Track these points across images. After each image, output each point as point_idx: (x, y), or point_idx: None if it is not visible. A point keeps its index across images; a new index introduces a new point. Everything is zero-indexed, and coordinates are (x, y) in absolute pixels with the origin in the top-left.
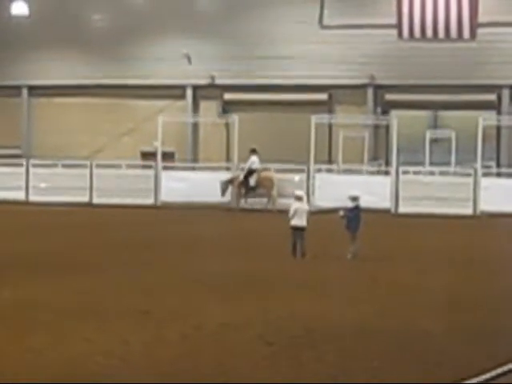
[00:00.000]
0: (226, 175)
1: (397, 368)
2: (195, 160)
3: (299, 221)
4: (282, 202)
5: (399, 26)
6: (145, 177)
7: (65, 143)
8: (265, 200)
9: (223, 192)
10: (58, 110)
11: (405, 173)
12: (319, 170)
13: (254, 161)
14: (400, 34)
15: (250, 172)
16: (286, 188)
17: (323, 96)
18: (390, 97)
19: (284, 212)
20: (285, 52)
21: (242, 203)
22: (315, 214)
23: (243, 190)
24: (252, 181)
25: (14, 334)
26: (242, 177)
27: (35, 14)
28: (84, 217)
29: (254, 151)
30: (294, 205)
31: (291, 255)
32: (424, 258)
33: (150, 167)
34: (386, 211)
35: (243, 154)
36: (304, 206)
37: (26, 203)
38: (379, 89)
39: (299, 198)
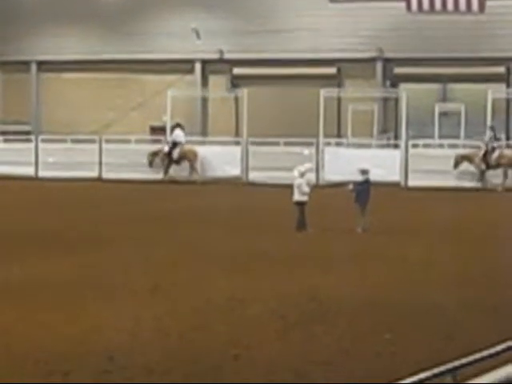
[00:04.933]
0: (149, 148)
1: (408, 341)
2: (204, 134)
3: (297, 196)
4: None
5: None
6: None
7: (74, 118)
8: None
9: (150, 163)
10: (66, 86)
11: (414, 146)
12: (328, 144)
13: (178, 134)
14: (408, 7)
15: (174, 145)
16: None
17: (332, 70)
18: (398, 70)
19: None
20: (293, 26)
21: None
22: (324, 187)
23: (166, 162)
24: (175, 153)
25: (25, 310)
26: (166, 149)
27: None
28: (93, 192)
29: (178, 125)
30: (296, 180)
31: (296, 230)
32: (434, 231)
33: (159, 142)
34: (396, 184)
35: (252, 128)
36: (299, 180)
37: (36, 179)
38: (388, 62)
39: (302, 174)
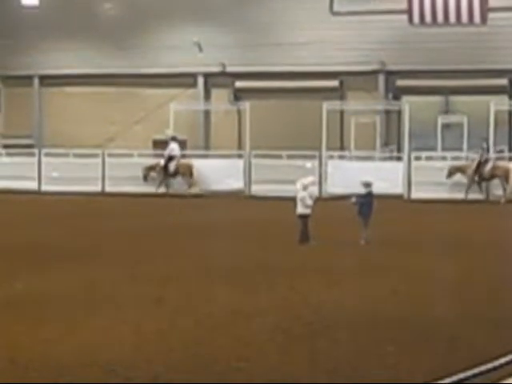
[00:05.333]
0: (151, 161)
1: (412, 353)
2: (207, 148)
3: (301, 208)
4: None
5: (410, 11)
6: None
7: (76, 132)
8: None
9: (145, 178)
10: (69, 100)
11: (417, 158)
12: (331, 157)
13: (174, 148)
14: (410, 20)
15: (170, 158)
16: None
17: (334, 83)
18: (401, 82)
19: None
20: (296, 39)
21: (162, 188)
22: (327, 200)
23: (162, 176)
24: (171, 167)
25: (27, 324)
26: (162, 163)
27: (45, 3)
28: (96, 206)
29: (173, 139)
30: (299, 194)
31: (299, 243)
32: (437, 243)
33: (162, 155)
34: (399, 197)
35: (255, 141)
36: (302, 193)
37: (39, 193)
38: (390, 75)
39: (305, 187)
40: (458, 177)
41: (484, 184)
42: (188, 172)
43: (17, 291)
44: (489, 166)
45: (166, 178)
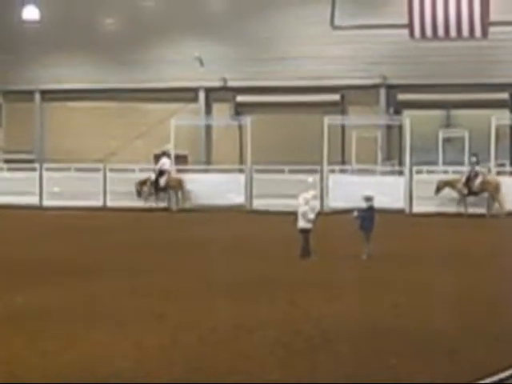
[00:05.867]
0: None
1: (412, 366)
2: (208, 162)
3: (302, 223)
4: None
5: (410, 25)
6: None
7: (78, 147)
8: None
9: (138, 193)
10: (70, 114)
11: (418, 172)
12: (333, 171)
13: (165, 162)
14: (411, 34)
15: (161, 173)
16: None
17: (335, 97)
18: (402, 97)
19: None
20: (297, 53)
21: (151, 203)
22: (329, 214)
23: (153, 190)
24: (162, 181)
25: (28, 338)
26: (153, 177)
27: (46, 18)
28: (98, 221)
29: (164, 154)
30: (301, 208)
31: (300, 257)
32: (438, 257)
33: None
34: (400, 211)
35: (256, 155)
36: (304, 208)
37: (40, 208)
38: (391, 89)
39: (307, 201)
40: (447, 191)
41: (473, 198)
42: (178, 186)
43: (17, 305)
44: (478, 180)
45: (158, 192)
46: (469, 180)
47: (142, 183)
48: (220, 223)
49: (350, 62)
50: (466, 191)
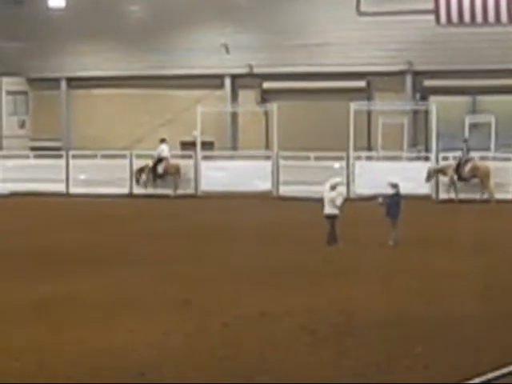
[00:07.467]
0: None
1: (439, 354)
2: (234, 149)
3: (328, 209)
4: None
5: (436, 11)
6: (185, 167)
7: (104, 135)
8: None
9: (137, 180)
10: (96, 102)
11: (444, 158)
12: (359, 157)
13: (163, 149)
14: (437, 20)
15: (160, 160)
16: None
17: (361, 83)
18: (428, 83)
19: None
20: (323, 39)
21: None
22: (355, 201)
23: (152, 177)
24: (160, 168)
25: (55, 327)
26: (151, 164)
27: (72, 5)
28: (124, 208)
29: (163, 140)
30: (327, 194)
31: (327, 243)
32: (465, 243)
33: (189, 157)
34: (426, 197)
35: (282, 142)
36: (332, 194)
37: (67, 195)
38: (417, 75)
39: (333, 187)
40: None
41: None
42: (176, 173)
43: (45, 294)
44: (468, 167)
45: (156, 179)
46: (459, 166)
47: (140, 170)
48: (246, 210)
49: (376, 48)
50: (456, 177)
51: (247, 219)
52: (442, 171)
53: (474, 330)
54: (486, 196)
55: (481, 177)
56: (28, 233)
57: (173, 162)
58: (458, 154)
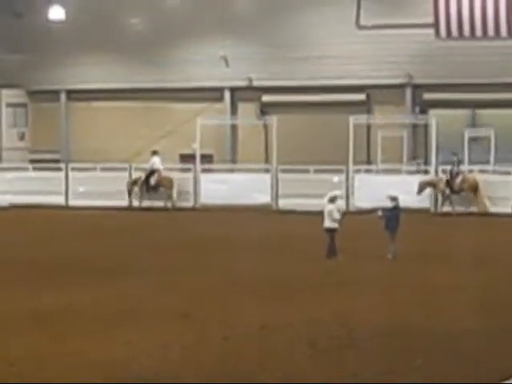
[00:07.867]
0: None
1: (439, 367)
2: (234, 162)
3: (328, 222)
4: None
5: (436, 24)
6: (184, 179)
7: (103, 147)
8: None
9: (129, 193)
10: (96, 114)
11: (444, 172)
12: (358, 171)
13: (155, 161)
14: (437, 33)
15: (152, 172)
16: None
17: (361, 96)
18: (428, 96)
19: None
20: (322, 53)
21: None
22: (355, 214)
23: (144, 189)
24: (152, 180)
25: (55, 338)
26: (143, 177)
27: (72, 18)
28: (124, 220)
29: (155, 153)
30: (326, 207)
31: (326, 257)
32: (464, 257)
33: (188, 170)
34: (426, 211)
35: (282, 155)
36: (329, 206)
37: (66, 207)
38: (417, 88)
39: (332, 200)
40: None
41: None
42: (169, 185)
43: (45, 304)
44: (459, 180)
45: (148, 191)
46: (450, 179)
47: (133, 183)
48: (246, 222)
49: (376, 61)
50: (448, 191)
51: (247, 232)
52: (431, 184)
53: (474, 343)
54: (475, 209)
55: (468, 189)
56: (28, 244)
57: (165, 174)
58: (449, 167)
